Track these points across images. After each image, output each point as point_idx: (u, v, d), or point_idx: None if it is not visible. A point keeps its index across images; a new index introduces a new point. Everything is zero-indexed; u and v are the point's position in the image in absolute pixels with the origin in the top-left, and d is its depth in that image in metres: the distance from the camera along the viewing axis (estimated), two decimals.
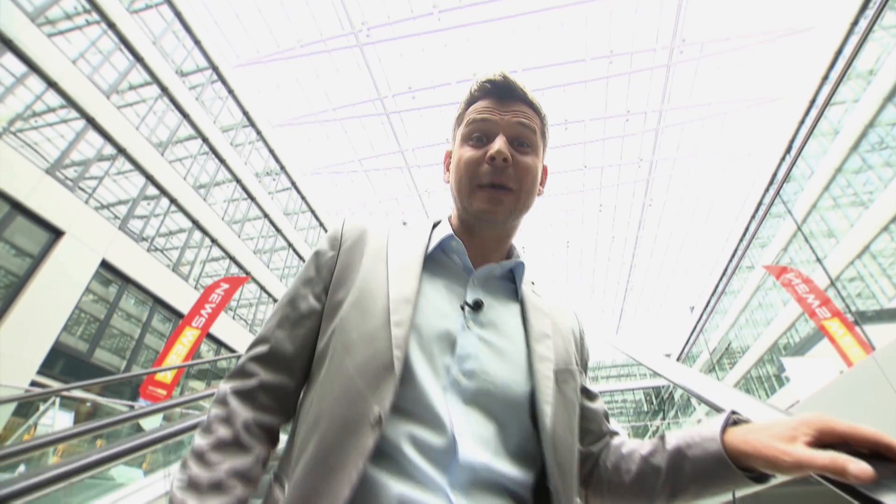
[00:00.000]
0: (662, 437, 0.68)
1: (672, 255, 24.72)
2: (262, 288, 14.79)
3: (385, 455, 0.57)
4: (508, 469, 0.61)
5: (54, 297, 7.45)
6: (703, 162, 19.02)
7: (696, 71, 16.11)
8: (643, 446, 0.71)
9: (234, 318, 13.29)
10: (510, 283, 0.81)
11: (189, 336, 7.56)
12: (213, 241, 12.37)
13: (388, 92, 17.15)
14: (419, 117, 18.05)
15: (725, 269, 20.69)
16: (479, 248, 0.80)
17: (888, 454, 0.47)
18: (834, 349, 6.62)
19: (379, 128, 18.33)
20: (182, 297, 10.79)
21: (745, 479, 0.57)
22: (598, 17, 15.06)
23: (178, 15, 11.79)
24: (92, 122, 8.70)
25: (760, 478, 0.57)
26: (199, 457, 0.60)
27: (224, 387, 0.68)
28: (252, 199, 14.67)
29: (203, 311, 7.91)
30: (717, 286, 21.82)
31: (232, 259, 13.28)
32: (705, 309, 23.95)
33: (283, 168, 17.07)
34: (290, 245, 17.04)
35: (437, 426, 0.60)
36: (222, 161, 13.03)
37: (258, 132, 15.50)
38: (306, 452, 0.58)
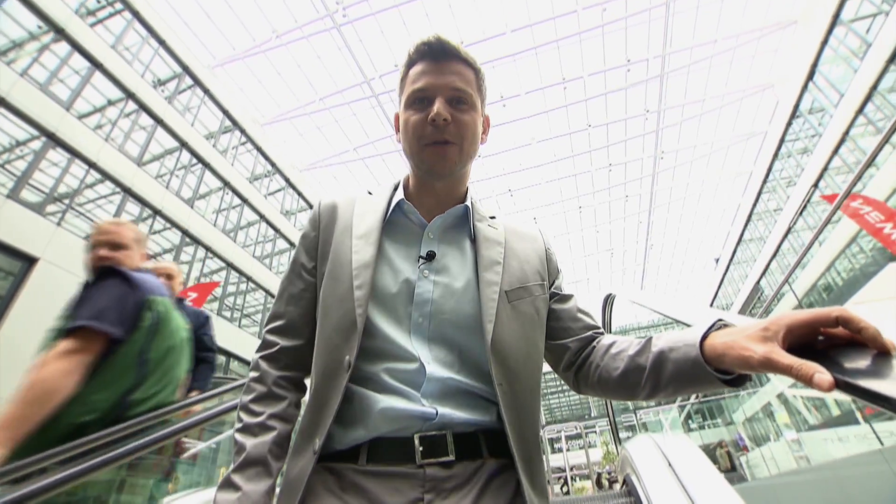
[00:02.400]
0: (650, 340, 0.76)
1: (690, 207, 23.62)
2: (269, 293, 14.31)
3: (370, 382, 0.75)
4: (472, 381, 0.78)
5: (37, 329, 6.99)
6: (715, 104, 17.83)
7: (698, 4, 14.91)
8: (631, 346, 0.78)
9: (239, 326, 12.90)
10: (467, 224, 0.92)
11: None
12: (208, 249, 11.87)
13: (374, 73, 16.34)
14: None
15: (750, 214, 19.63)
16: (434, 198, 0.91)
17: (849, 326, 0.50)
18: None
19: (370, 112, 17.58)
20: None
21: (718, 381, 0.63)
22: None
23: (136, 16, 11.09)
24: (52, 137, 8.13)
25: (735, 381, 0.64)
26: (245, 409, 0.78)
27: (255, 356, 0.85)
28: (246, 202, 14.09)
29: None
30: (742, 233, 20.78)
31: (232, 267, 12.79)
32: (731, 258, 22.95)
33: (275, 167, 16.42)
34: (293, 245, 16.53)
35: (408, 359, 0.76)
36: (207, 166, 12.43)
37: (244, 133, 14.84)
38: (309, 395, 0.78)
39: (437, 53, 0.84)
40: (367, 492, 0.68)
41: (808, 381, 0.47)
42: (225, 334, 11.78)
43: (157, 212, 10.47)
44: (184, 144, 11.72)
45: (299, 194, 17.89)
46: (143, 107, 10.56)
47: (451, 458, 0.71)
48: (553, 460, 19.55)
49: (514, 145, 19.01)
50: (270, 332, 0.87)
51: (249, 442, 0.74)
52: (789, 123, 15.28)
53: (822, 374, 0.47)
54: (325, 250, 0.86)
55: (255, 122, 15.79)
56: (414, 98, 0.83)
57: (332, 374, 0.74)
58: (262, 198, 15.08)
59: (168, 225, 10.88)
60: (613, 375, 0.79)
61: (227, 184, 13.28)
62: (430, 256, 0.83)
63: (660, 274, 29.90)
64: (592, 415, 33.09)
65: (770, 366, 0.52)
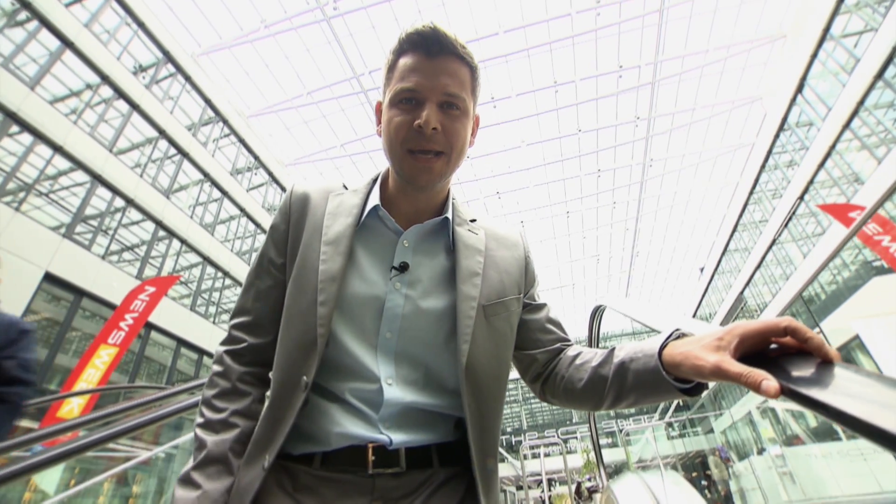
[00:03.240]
0: (612, 350, 0.76)
1: (677, 216, 23.71)
2: None
3: (333, 397, 0.74)
4: (435, 401, 0.76)
5: None
6: (704, 114, 17.89)
7: (690, 14, 14.93)
8: (595, 357, 0.78)
9: (214, 323, 12.48)
10: (446, 232, 0.86)
11: (104, 356, 6.23)
12: (183, 242, 11.43)
13: (363, 69, 16.06)
14: None
15: (736, 225, 19.74)
16: (413, 205, 0.84)
17: (796, 336, 0.52)
18: None
19: (359, 108, 17.28)
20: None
21: (676, 390, 0.64)
22: None
23: (123, 5, 10.68)
24: (13, 117, 7.69)
25: (693, 390, 0.65)
26: (208, 404, 0.76)
27: (219, 349, 0.82)
28: (226, 195, 13.67)
29: (123, 324, 6.56)
30: (727, 243, 20.90)
31: (208, 261, 12.38)
32: (716, 268, 23.10)
33: (258, 160, 16.00)
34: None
35: (369, 378, 0.73)
36: (186, 156, 12.00)
37: (227, 124, 14.42)
38: (265, 406, 0.75)
39: (431, 46, 0.74)
40: (320, 495, 0.69)
41: (755, 388, 0.49)
42: (200, 332, 11.36)
43: (129, 201, 10.03)
44: (161, 133, 11.27)
45: (283, 190, 17.48)
46: (119, 91, 10.11)
47: (402, 469, 0.71)
48: (531, 465, 19.40)
49: (503, 147, 18.86)
50: (236, 327, 0.83)
51: (210, 439, 0.72)
52: (777, 136, 15.37)
53: (770, 382, 0.48)
54: (294, 248, 0.81)
55: (239, 114, 15.37)
56: (401, 97, 0.76)
57: (290, 391, 0.72)
58: (244, 191, 14.65)
59: (142, 216, 10.44)
60: (578, 386, 0.79)
61: (206, 176, 12.86)
62: (403, 268, 0.79)
63: (645, 281, 30.01)
64: (574, 421, 33.08)
65: (720, 374, 0.54)
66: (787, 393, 0.46)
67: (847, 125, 11.88)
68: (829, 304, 10.60)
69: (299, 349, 0.73)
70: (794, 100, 14.06)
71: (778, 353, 0.55)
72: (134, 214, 10.27)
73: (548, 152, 19.44)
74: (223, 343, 0.83)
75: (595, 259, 26.64)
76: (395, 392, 0.73)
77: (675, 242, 26.00)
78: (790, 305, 15.51)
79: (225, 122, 14.30)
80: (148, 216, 10.53)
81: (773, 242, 15.86)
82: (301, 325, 0.74)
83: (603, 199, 22.24)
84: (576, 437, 27.24)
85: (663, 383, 0.65)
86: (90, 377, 6.02)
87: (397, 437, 0.72)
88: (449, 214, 0.86)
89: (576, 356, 0.83)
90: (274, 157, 17.40)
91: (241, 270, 13.61)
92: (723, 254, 21.90)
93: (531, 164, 19.85)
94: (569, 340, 0.91)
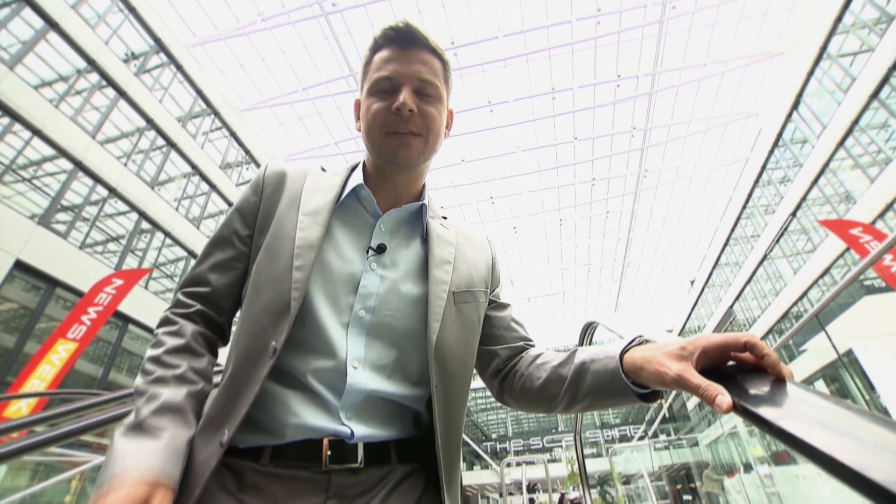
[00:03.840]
0: (574, 352, 0.76)
1: (670, 228, 23.74)
2: None
3: (292, 380, 0.69)
4: (403, 388, 0.74)
5: None
6: (700, 127, 17.91)
7: (690, 27, 14.94)
8: (556, 358, 0.79)
9: None
10: (419, 221, 0.87)
11: (62, 352, 5.77)
12: (167, 234, 11.15)
13: (360, 67, 15.90)
14: None
15: (728, 239, 19.77)
16: (391, 191, 0.85)
17: (754, 352, 0.54)
18: None
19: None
20: (131, 302, 9.66)
21: (634, 395, 0.65)
22: None
23: None
24: None
25: (649, 396, 0.65)
26: (157, 361, 0.66)
27: (166, 313, 0.74)
28: (214, 189, 13.39)
29: (85, 317, 6.10)
30: (718, 257, 20.93)
31: (193, 256, 12.09)
32: (707, 281, 23.13)
33: (249, 155, 15.74)
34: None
35: (333, 356, 0.70)
36: (174, 146, 11.72)
37: (218, 116, 14.15)
38: (224, 378, 0.69)
39: (404, 40, 0.78)
40: (268, 493, 0.63)
41: (710, 402, 0.51)
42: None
43: (111, 190, 9.74)
44: (149, 122, 10.99)
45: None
46: (106, 76, 9.83)
47: (359, 465, 0.68)
48: (514, 473, 19.22)
49: (499, 152, 18.77)
50: (187, 295, 0.77)
51: (166, 391, 0.63)
52: (771, 151, 15.40)
53: (723, 397, 0.50)
54: (265, 221, 0.79)
55: (232, 107, 15.12)
56: (378, 86, 0.79)
57: (254, 359, 0.67)
58: (234, 186, 14.36)
59: (125, 207, 10.15)
60: (535, 385, 0.80)
61: (194, 168, 12.58)
62: (381, 249, 0.79)
63: (635, 292, 30.02)
64: (559, 429, 32.97)
65: (682, 383, 0.55)
66: (738, 409, 0.47)
67: (841, 143, 11.90)
68: (822, 320, 10.56)
69: (269, 315, 0.69)
70: (789, 116, 14.09)
71: (734, 370, 0.56)
72: (117, 205, 9.99)
73: (543, 159, 19.38)
74: (171, 308, 0.76)
75: (586, 268, 26.59)
76: (360, 377, 0.71)
77: (667, 254, 26.03)
78: (780, 321, 15.52)
79: (216, 114, 14.04)
80: (131, 206, 10.24)
81: (765, 258, 15.87)
82: (272, 290, 0.71)
83: (596, 209, 22.21)
84: (560, 446, 27.10)
85: (621, 387, 0.66)
86: (44, 374, 5.62)
87: (359, 430, 0.69)
88: (426, 202, 0.87)
89: (537, 356, 0.84)
90: (266, 152, 17.14)
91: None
92: (714, 267, 21.95)
93: (526, 170, 19.78)
94: (531, 340, 0.93)
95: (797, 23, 14.06)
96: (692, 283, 26.61)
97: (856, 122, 11.43)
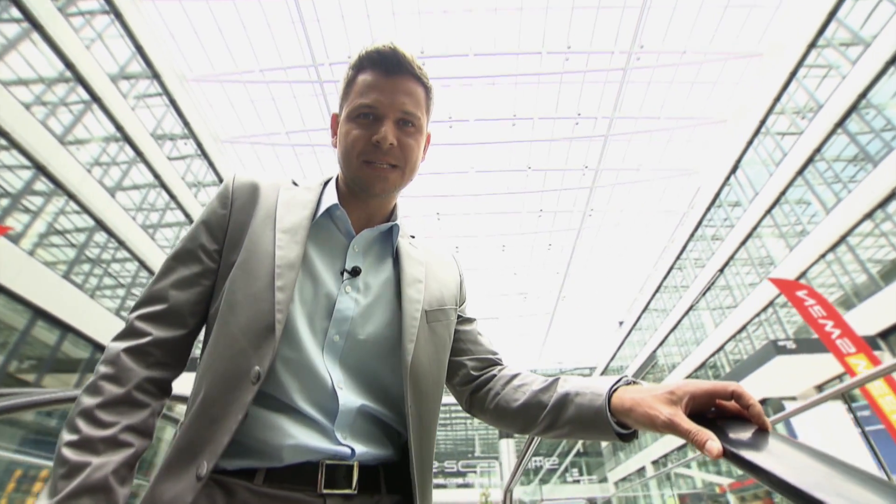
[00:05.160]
0: (557, 380, 0.77)
1: (606, 269, 24.58)
2: (143, 264, 12.16)
3: (279, 405, 0.67)
4: (382, 407, 0.74)
5: None
6: (646, 176, 18.77)
7: (649, 81, 15.68)
8: (536, 381, 0.79)
9: (92, 297, 10.74)
10: (389, 240, 0.87)
11: None
12: (72, 197, 9.76)
13: (324, 59, 15.28)
14: None
15: (659, 286, 20.71)
16: (363, 211, 0.85)
17: (740, 401, 0.56)
18: (862, 397, 5.44)
19: (312, 99, 16.38)
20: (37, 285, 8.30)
21: (614, 433, 0.65)
22: (559, 8, 14.13)
23: None
24: None
25: (627, 436, 0.66)
26: (89, 416, 0.60)
27: (114, 345, 0.67)
28: (141, 157, 12.08)
29: None
30: (648, 302, 21.86)
31: (103, 227, 10.72)
32: (635, 324, 24.08)
33: (188, 127, 14.47)
34: (189, 220, 14.45)
35: (321, 381, 0.69)
36: (97, 101, 10.39)
37: (158, 80, 12.90)
38: (195, 404, 0.64)
39: (390, 66, 0.77)
40: None
41: (700, 447, 0.52)
42: (74, 303, 9.67)
43: (7, 138, 8.34)
44: (70, 66, 9.66)
45: (211, 165, 15.94)
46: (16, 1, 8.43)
47: (353, 491, 0.67)
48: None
49: (451, 169, 18.62)
50: (143, 318, 0.70)
51: (92, 460, 0.57)
52: (708, 209, 16.33)
53: (714, 443, 0.51)
54: (236, 236, 0.76)
55: (177, 74, 13.89)
56: (359, 112, 0.78)
57: (234, 384, 0.64)
58: (164, 158, 13.07)
59: (25, 161, 8.77)
60: (512, 406, 0.80)
61: (120, 130, 11.26)
62: (355, 272, 0.78)
63: (566, 326, 30.75)
64: (475, 454, 32.68)
65: (673, 427, 0.56)
66: (728, 455, 0.49)
67: (769, 211, 12.77)
68: (736, 374, 11.06)
69: (248, 336, 0.66)
70: (727, 179, 15.03)
71: (715, 416, 0.58)
72: (13, 154, 8.59)
73: (494, 183, 19.45)
74: (119, 338, 0.69)
75: (522, 296, 26.90)
76: (348, 396, 0.70)
77: (601, 293, 26.91)
78: (697, 370, 16.26)
79: (157, 77, 12.79)
80: (30, 159, 8.82)
81: (691, 308, 16.69)
82: (251, 310, 0.68)
83: (539, 240, 22.58)
84: (475, 472, 26.83)
85: (603, 424, 0.66)
86: None
87: (358, 449, 0.69)
88: (399, 222, 0.87)
89: (514, 376, 0.85)
90: (209, 129, 15.90)
91: (142, 244, 11.97)
92: (643, 311, 22.91)
93: (476, 191, 19.77)
94: (497, 353, 0.94)
95: (742, 95, 15.15)
96: (621, 323, 27.66)
97: (783, 193, 12.31)
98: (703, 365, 16.03)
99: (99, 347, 10.47)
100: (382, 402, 0.75)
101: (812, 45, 11.59)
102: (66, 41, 9.39)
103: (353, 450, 0.67)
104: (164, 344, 0.69)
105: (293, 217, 0.77)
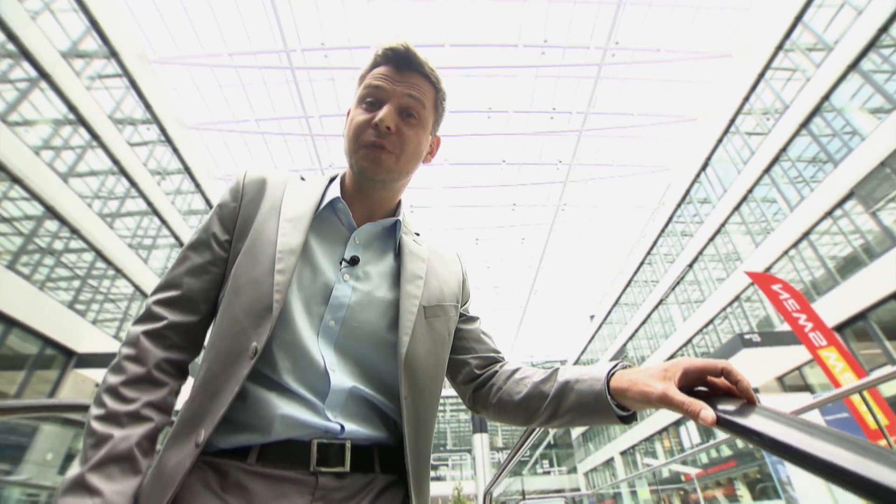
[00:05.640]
0: (557, 370, 0.79)
1: (578, 263, 24.87)
2: (100, 254, 11.51)
3: (272, 383, 0.69)
4: (376, 392, 0.75)
5: None
6: (619, 172, 19.01)
7: (623, 78, 15.83)
8: (536, 374, 0.83)
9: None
10: (392, 236, 0.89)
11: None
12: (17, 181, 9.12)
13: (296, 45, 14.81)
14: (331, 81, 15.89)
15: (630, 281, 21.07)
16: (367, 205, 0.87)
17: (729, 378, 0.59)
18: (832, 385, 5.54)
19: (283, 86, 15.87)
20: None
21: (615, 416, 0.69)
22: (536, 1, 14.05)
23: None
24: None
25: (627, 418, 0.70)
26: (114, 392, 0.66)
27: (134, 329, 0.72)
28: (97, 140, 11.39)
29: None
30: (619, 296, 22.24)
31: (51, 212, 10.06)
32: (606, 318, 24.49)
33: (151, 111, 13.78)
34: (150, 205, 13.76)
35: (313, 363, 0.71)
36: (45, 77, 9.70)
37: (117, 58, 12.19)
38: (198, 380, 0.69)
39: (401, 61, 0.81)
40: (252, 494, 0.63)
41: (695, 416, 0.55)
42: (18, 293, 9.05)
43: None
44: (12, 38, 8.80)
45: (176, 152, 15.24)
46: None
47: (346, 469, 0.68)
48: None
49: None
50: (159, 303, 0.75)
51: (116, 433, 0.62)
52: (679, 205, 16.65)
53: (707, 411, 0.55)
54: (244, 226, 0.80)
55: (138, 54, 13.17)
56: (365, 97, 0.81)
57: (233, 359, 0.67)
58: (124, 143, 12.39)
59: None
60: (515, 399, 0.82)
61: (73, 111, 10.58)
62: (354, 261, 0.80)
63: (538, 319, 31.06)
64: (447, 447, 32.77)
65: (666, 400, 0.59)
66: (720, 422, 0.53)
67: (737, 208, 13.09)
68: None
69: (249, 316, 0.70)
70: (697, 176, 15.34)
71: (706, 393, 0.60)
72: None
73: (468, 176, 19.35)
74: (139, 322, 0.74)
75: (495, 290, 26.99)
76: (340, 377, 0.72)
77: (573, 287, 27.25)
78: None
79: (116, 56, 12.08)
80: None
81: (661, 302, 17.04)
82: (253, 292, 0.71)
83: (512, 234, 22.65)
84: (447, 465, 26.89)
85: (604, 407, 0.69)
86: None
87: (348, 426, 0.70)
88: (401, 218, 0.89)
89: (515, 371, 0.87)
90: (173, 113, 15.19)
91: (99, 234, 11.33)
92: (614, 305, 23.31)
93: (450, 183, 19.64)
94: (500, 353, 0.96)
95: (713, 94, 15.47)
96: (592, 317, 28.11)
97: (750, 191, 12.63)
98: (671, 357, 16.42)
99: (50, 343, 9.87)
100: (376, 388, 0.76)
101: (779, 47, 11.89)
102: (9, 13, 8.72)
103: (342, 426, 0.69)
104: (179, 328, 0.74)
105: (297, 207, 0.80)
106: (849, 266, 9.93)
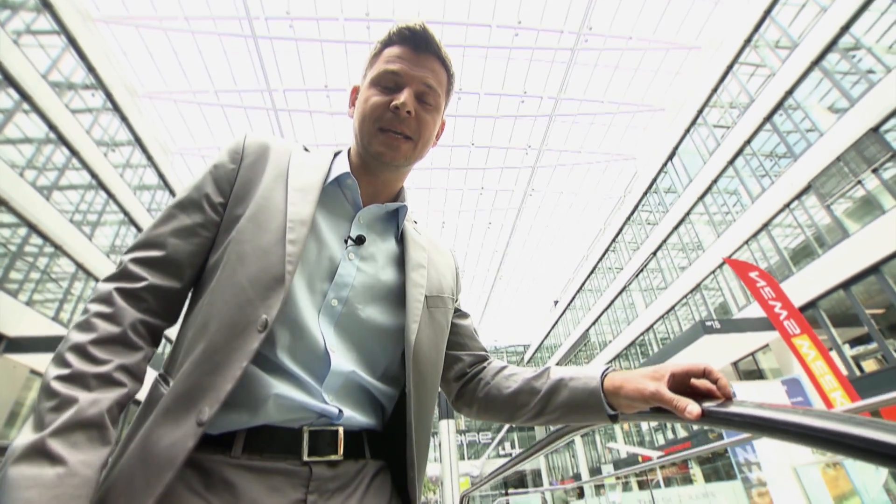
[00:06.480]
0: (549, 368, 0.81)
1: (543, 249, 25.11)
2: (34, 228, 10.57)
3: (267, 359, 0.64)
4: (372, 378, 0.73)
5: None
6: (587, 159, 19.14)
7: (595, 65, 15.79)
8: (527, 371, 0.84)
9: (27, 303, 9.21)
10: (394, 221, 0.87)
11: None
12: None
13: (259, 12, 13.95)
14: (296, 53, 15.11)
15: (595, 267, 21.42)
16: (372, 186, 0.84)
17: (709, 378, 0.64)
18: (804, 374, 5.66)
19: (245, 56, 14.97)
20: None
21: (605, 413, 0.71)
22: None
23: None
24: None
25: (614, 416, 0.72)
26: (81, 351, 0.57)
27: (105, 285, 0.65)
28: (29, 102, 10.38)
29: None
30: (583, 282, 22.62)
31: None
32: (570, 304, 24.91)
33: (96, 76, 12.70)
34: (93, 175, 12.76)
35: (314, 341, 0.67)
36: None
37: (54, 15, 11.10)
38: (194, 351, 0.61)
39: (419, 43, 0.78)
40: (240, 490, 0.58)
41: (682, 411, 0.61)
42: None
43: None
44: None
45: (125, 120, 14.17)
46: None
47: (340, 457, 0.66)
48: None
49: None
50: (138, 262, 0.68)
51: (83, 396, 0.54)
52: (645, 194, 16.92)
53: (693, 406, 0.60)
54: (245, 190, 0.75)
55: (79, 12, 12.04)
56: (383, 79, 0.78)
57: (240, 331, 0.62)
58: (64, 108, 11.35)
59: None
60: (503, 393, 0.83)
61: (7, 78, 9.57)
62: (360, 241, 0.77)
63: (502, 304, 31.35)
64: None
65: (658, 397, 0.64)
66: (705, 414, 0.59)
67: (701, 198, 13.38)
68: (664, 354, 11.61)
69: (256, 287, 0.64)
70: (664, 166, 15.58)
71: (691, 395, 0.65)
72: None
73: (436, 158, 19.02)
74: (113, 279, 0.66)
75: (460, 273, 26.99)
76: (340, 360, 0.69)
77: (537, 272, 27.55)
78: (627, 348, 17.03)
79: (48, 8, 10.98)
80: None
81: (624, 289, 17.38)
82: (260, 261, 0.66)
83: (479, 217, 22.57)
84: None
85: (596, 404, 0.71)
86: None
87: (346, 411, 0.68)
88: (406, 203, 0.87)
89: (503, 367, 0.89)
90: (122, 80, 14.08)
91: (32, 206, 10.39)
92: (578, 291, 23.71)
93: (418, 165, 19.24)
94: (487, 350, 0.96)
95: (681, 85, 15.67)
96: (556, 303, 28.57)
97: (715, 181, 12.92)
98: (633, 343, 16.86)
99: None
100: (373, 374, 0.74)
101: (747, 42, 12.08)
102: None
103: (340, 411, 0.66)
104: (159, 291, 0.67)
105: (305, 178, 0.77)
106: (801, 256, 10.33)
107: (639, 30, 14.84)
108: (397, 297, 0.77)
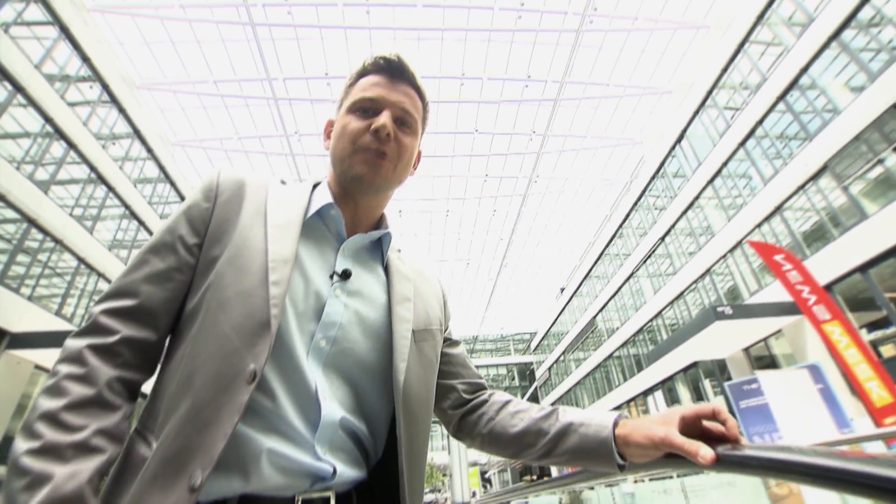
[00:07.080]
0: (557, 409, 0.79)
1: (549, 236, 24.85)
2: (34, 223, 10.41)
3: (255, 412, 0.60)
4: (361, 423, 0.70)
5: None
6: (593, 144, 18.79)
7: (600, 47, 15.39)
8: (533, 409, 0.81)
9: (29, 298, 9.06)
10: (378, 250, 0.85)
11: None
12: None
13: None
14: (295, 40, 14.81)
15: (602, 254, 21.16)
16: (352, 214, 0.82)
17: (718, 418, 0.63)
18: (834, 360, 5.37)
19: (244, 45, 14.70)
20: None
21: (615, 463, 0.69)
22: None
23: None
24: None
25: (623, 467, 0.70)
26: (52, 419, 0.53)
27: (75, 343, 0.61)
28: (22, 93, 10.18)
29: None
30: (590, 269, 22.37)
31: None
32: (576, 290, 24.70)
33: (92, 68, 12.46)
34: (93, 169, 12.61)
35: (305, 388, 0.64)
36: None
37: (48, 7, 10.85)
38: (178, 409, 0.58)
39: (394, 71, 0.79)
40: None
41: (694, 456, 0.59)
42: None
43: None
44: None
45: (122, 111, 13.96)
46: None
47: None
48: None
49: None
50: (109, 313, 0.64)
51: (58, 470, 0.50)
52: (652, 179, 16.59)
53: (706, 450, 0.59)
54: (221, 230, 0.71)
55: (73, 1, 11.78)
56: (360, 105, 0.78)
57: (227, 384, 0.58)
58: (59, 100, 11.14)
59: None
60: (510, 431, 0.80)
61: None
62: (346, 275, 0.74)
63: (507, 292, 31.18)
64: None
65: (668, 443, 0.62)
66: (719, 459, 0.58)
67: (711, 181, 13.07)
68: (675, 340, 11.42)
69: (241, 334, 0.61)
70: (672, 150, 15.22)
71: (702, 439, 0.64)
72: None
73: (440, 145, 18.73)
74: (82, 334, 0.62)
75: (465, 262, 26.79)
76: (331, 407, 0.66)
77: (543, 259, 27.31)
78: (636, 335, 16.82)
79: (43, 1, 10.74)
80: None
81: (632, 275, 17.14)
82: (244, 306, 0.63)
83: (484, 205, 22.30)
84: None
85: (607, 453, 0.69)
86: None
87: (339, 467, 0.65)
88: (390, 230, 0.85)
89: (507, 402, 0.86)
90: (119, 71, 13.85)
91: (32, 201, 10.25)
92: (585, 278, 23.47)
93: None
94: (482, 378, 0.94)
95: (688, 67, 15.25)
96: (562, 290, 28.36)
97: (725, 164, 12.61)
98: (641, 329, 16.65)
99: None
100: (361, 418, 0.71)
101: (759, 19, 11.67)
102: None
103: (334, 469, 0.64)
104: (134, 344, 0.63)
105: (284, 213, 0.74)
106: (814, 239, 10.06)
107: (645, 10, 14.42)
108: (385, 333, 0.74)
